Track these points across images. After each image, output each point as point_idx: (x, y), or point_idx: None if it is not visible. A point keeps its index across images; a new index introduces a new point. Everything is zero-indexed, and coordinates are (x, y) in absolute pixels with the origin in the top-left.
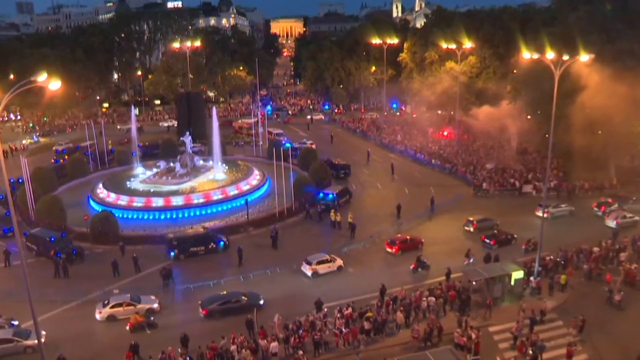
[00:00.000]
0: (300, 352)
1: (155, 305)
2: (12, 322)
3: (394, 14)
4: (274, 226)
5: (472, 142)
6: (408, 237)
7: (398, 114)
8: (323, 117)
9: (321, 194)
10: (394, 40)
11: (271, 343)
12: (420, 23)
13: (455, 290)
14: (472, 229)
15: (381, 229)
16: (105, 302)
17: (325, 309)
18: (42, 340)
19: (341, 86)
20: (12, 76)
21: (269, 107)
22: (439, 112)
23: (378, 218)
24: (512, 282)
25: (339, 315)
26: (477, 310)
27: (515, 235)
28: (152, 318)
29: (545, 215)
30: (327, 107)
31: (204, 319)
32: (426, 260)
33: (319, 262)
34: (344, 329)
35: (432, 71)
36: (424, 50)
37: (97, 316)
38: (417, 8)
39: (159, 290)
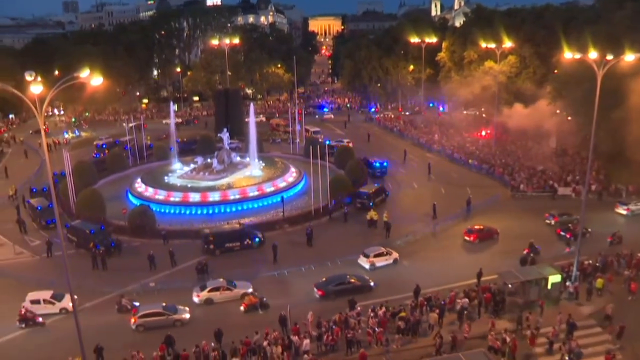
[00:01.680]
0: None
1: (250, 290)
2: (134, 303)
3: (433, 13)
4: (309, 224)
5: (510, 142)
6: (483, 227)
7: (435, 113)
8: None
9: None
10: (432, 39)
11: (304, 340)
12: (459, 22)
13: (490, 292)
14: (553, 222)
15: (416, 228)
16: (203, 285)
17: (359, 307)
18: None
19: (379, 85)
20: (56, 72)
21: (325, 109)
22: (477, 112)
23: (413, 217)
24: (549, 286)
25: (372, 314)
26: (513, 313)
27: (589, 230)
28: (264, 299)
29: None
30: (372, 109)
31: (319, 299)
32: (539, 247)
33: (376, 255)
34: (377, 328)
35: (471, 71)
36: (463, 50)
37: (195, 299)
38: (456, 7)
39: (194, 284)
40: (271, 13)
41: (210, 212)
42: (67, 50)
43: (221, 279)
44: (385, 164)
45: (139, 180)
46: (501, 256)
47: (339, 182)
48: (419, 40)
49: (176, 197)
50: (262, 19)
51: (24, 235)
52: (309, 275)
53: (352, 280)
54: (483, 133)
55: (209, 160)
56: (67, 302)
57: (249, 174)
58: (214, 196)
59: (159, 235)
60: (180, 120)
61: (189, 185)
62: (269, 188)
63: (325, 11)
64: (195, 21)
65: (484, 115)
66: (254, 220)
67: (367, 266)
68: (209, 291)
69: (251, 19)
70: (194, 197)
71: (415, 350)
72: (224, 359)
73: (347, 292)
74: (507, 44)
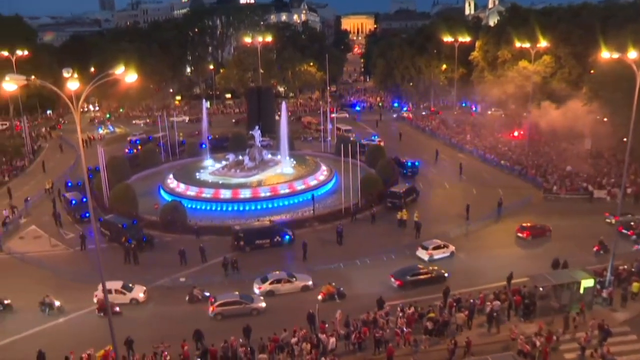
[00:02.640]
0: None
1: (310, 283)
2: (205, 293)
3: (466, 11)
4: (340, 222)
5: (544, 144)
6: (536, 224)
7: (468, 113)
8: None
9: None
10: (465, 39)
11: (330, 338)
12: (493, 21)
13: (520, 295)
14: (613, 221)
15: (447, 228)
16: (264, 277)
17: (387, 307)
18: None
19: (411, 84)
20: (92, 69)
21: (357, 108)
22: (510, 112)
23: (444, 218)
24: (582, 291)
25: (400, 314)
26: (544, 317)
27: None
28: (341, 289)
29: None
30: (405, 109)
31: (397, 288)
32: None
33: (435, 247)
34: (405, 328)
35: (504, 70)
36: (497, 49)
37: (257, 291)
38: (490, 5)
39: (222, 279)
40: (304, 11)
41: (241, 209)
42: (103, 47)
43: (284, 272)
44: (416, 163)
45: (171, 176)
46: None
47: (370, 181)
48: (452, 40)
49: (207, 193)
50: (295, 17)
51: (59, 229)
52: (387, 263)
53: (428, 272)
54: (516, 134)
55: (240, 157)
56: (137, 293)
57: (280, 172)
58: (245, 193)
59: (190, 231)
60: (187, 118)
61: (221, 182)
62: (299, 186)
63: (358, 9)
64: (228, 19)
65: (503, 115)
66: (284, 218)
67: (426, 258)
68: (270, 283)
69: (284, 17)
70: (225, 193)
71: (443, 352)
72: (252, 354)
73: (423, 282)
74: (542, 43)
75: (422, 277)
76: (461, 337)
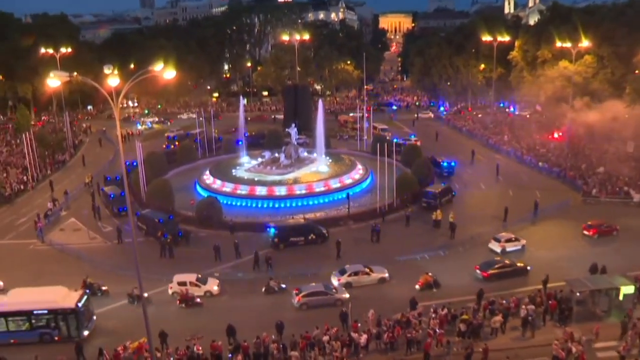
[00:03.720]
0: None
1: (386, 275)
2: (282, 285)
3: (506, 10)
4: (375, 222)
5: (584, 145)
6: (603, 222)
7: (506, 113)
8: (432, 115)
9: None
10: (504, 38)
11: (362, 335)
12: (533, 20)
13: (556, 300)
14: None
15: (483, 230)
16: (343, 270)
17: (420, 308)
18: None
19: (448, 83)
20: (132, 66)
21: (394, 107)
22: (549, 113)
23: (479, 219)
24: (621, 297)
25: (433, 315)
26: (581, 323)
27: None
28: (437, 279)
29: None
30: (441, 107)
31: (483, 280)
32: None
33: (507, 240)
34: (437, 330)
35: (544, 70)
36: (537, 49)
37: (336, 283)
38: (530, 4)
39: (256, 276)
40: (342, 9)
41: (276, 206)
42: (142, 44)
43: (361, 265)
44: (453, 163)
45: (207, 172)
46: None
47: (406, 181)
48: (491, 39)
49: (243, 190)
50: (333, 15)
51: (97, 222)
52: (463, 255)
53: (512, 265)
54: (555, 135)
55: (276, 154)
56: (211, 286)
57: (316, 170)
58: (280, 190)
59: (225, 227)
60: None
61: (256, 179)
62: (335, 184)
63: (396, 8)
64: (266, 17)
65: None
66: (319, 216)
67: (498, 250)
68: (348, 275)
69: (322, 15)
70: (261, 190)
71: (476, 355)
72: (284, 351)
73: (507, 274)
74: (584, 43)
75: (507, 269)
76: (495, 341)
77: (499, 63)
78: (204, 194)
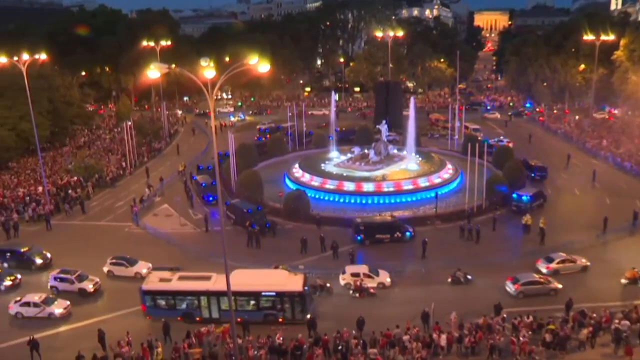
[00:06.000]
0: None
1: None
2: (468, 276)
3: (612, 7)
4: (465, 222)
5: None
6: None
7: (607, 117)
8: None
9: (515, 195)
10: (609, 36)
11: (441, 335)
12: None
13: None
14: None
15: (574, 238)
16: (550, 258)
17: (504, 314)
18: None
19: (545, 84)
20: (227, 59)
21: (488, 107)
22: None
23: (572, 226)
24: None
25: (518, 322)
26: None
27: None
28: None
29: None
30: (529, 104)
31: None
32: None
33: (560, 262)
34: (522, 337)
35: None
36: None
37: (545, 271)
38: None
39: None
40: (436, 6)
41: (364, 202)
42: (238, 38)
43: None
44: (546, 167)
45: (296, 165)
46: None
47: (496, 183)
48: (593, 38)
49: (331, 184)
50: (427, 12)
51: (189, 209)
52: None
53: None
54: None
55: (366, 150)
56: (384, 278)
57: (405, 167)
58: (369, 187)
59: (312, 221)
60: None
61: (345, 174)
62: (423, 183)
63: (492, 5)
64: (360, 13)
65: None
66: (406, 214)
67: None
68: (557, 263)
69: (416, 12)
70: (349, 186)
71: None
72: (363, 348)
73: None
74: None
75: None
76: (583, 354)
77: (600, 63)
78: (293, 186)
